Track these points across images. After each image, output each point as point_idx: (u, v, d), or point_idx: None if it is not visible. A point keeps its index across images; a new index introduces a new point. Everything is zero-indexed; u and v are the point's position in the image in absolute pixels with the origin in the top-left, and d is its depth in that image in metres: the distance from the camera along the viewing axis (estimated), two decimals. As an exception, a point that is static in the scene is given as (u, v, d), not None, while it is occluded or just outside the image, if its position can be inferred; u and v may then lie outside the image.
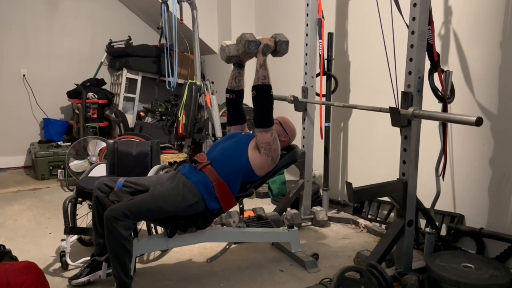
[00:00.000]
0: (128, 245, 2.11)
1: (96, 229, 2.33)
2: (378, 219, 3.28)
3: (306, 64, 3.24)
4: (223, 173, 2.30)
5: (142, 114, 5.29)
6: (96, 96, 5.09)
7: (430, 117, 2.14)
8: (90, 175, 2.90)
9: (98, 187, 2.28)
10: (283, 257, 2.79)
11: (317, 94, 3.35)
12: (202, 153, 2.45)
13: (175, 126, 4.48)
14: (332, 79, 3.44)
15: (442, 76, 2.34)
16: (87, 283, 2.37)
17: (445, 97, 2.35)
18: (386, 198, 2.89)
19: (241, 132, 2.58)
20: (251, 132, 2.56)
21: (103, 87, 5.47)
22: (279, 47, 2.41)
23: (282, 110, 4.31)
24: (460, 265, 2.17)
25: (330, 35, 3.43)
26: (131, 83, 5.25)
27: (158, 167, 2.76)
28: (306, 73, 3.25)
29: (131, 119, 5.19)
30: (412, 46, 2.19)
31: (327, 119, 3.47)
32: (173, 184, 2.26)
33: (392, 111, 2.26)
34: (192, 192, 2.24)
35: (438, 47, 2.69)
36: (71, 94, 5.24)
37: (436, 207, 2.57)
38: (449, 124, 2.47)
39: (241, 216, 2.66)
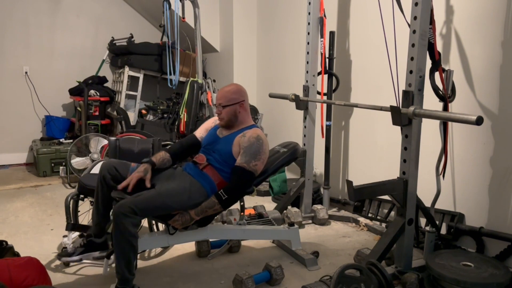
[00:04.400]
0: (134, 242, 2.11)
1: (98, 208, 2.33)
2: (378, 217, 3.28)
3: (307, 62, 3.25)
4: (223, 173, 2.34)
5: (143, 111, 5.30)
6: (98, 94, 5.10)
7: (431, 116, 2.15)
8: (91, 172, 2.91)
9: (107, 168, 2.29)
10: (284, 255, 2.80)
11: (319, 93, 3.35)
12: (200, 153, 2.45)
13: (176, 124, 4.49)
14: (334, 77, 3.45)
15: (443, 75, 2.35)
16: (78, 261, 2.34)
17: (446, 96, 2.36)
18: (386, 197, 2.90)
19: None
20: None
21: (105, 84, 5.48)
22: None
23: (283, 109, 4.34)
24: (459, 263, 2.18)
25: (331, 33, 3.43)
26: (133, 80, 5.25)
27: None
28: (307, 72, 3.26)
29: (132, 116, 5.20)
30: (413, 45, 2.19)
31: (328, 118, 3.47)
32: (180, 182, 2.28)
33: (393, 110, 2.27)
34: (199, 192, 2.27)
35: (439, 46, 2.70)
36: (73, 92, 5.24)
37: (436, 206, 2.59)
38: (449, 123, 2.48)
39: (242, 213, 2.67)
